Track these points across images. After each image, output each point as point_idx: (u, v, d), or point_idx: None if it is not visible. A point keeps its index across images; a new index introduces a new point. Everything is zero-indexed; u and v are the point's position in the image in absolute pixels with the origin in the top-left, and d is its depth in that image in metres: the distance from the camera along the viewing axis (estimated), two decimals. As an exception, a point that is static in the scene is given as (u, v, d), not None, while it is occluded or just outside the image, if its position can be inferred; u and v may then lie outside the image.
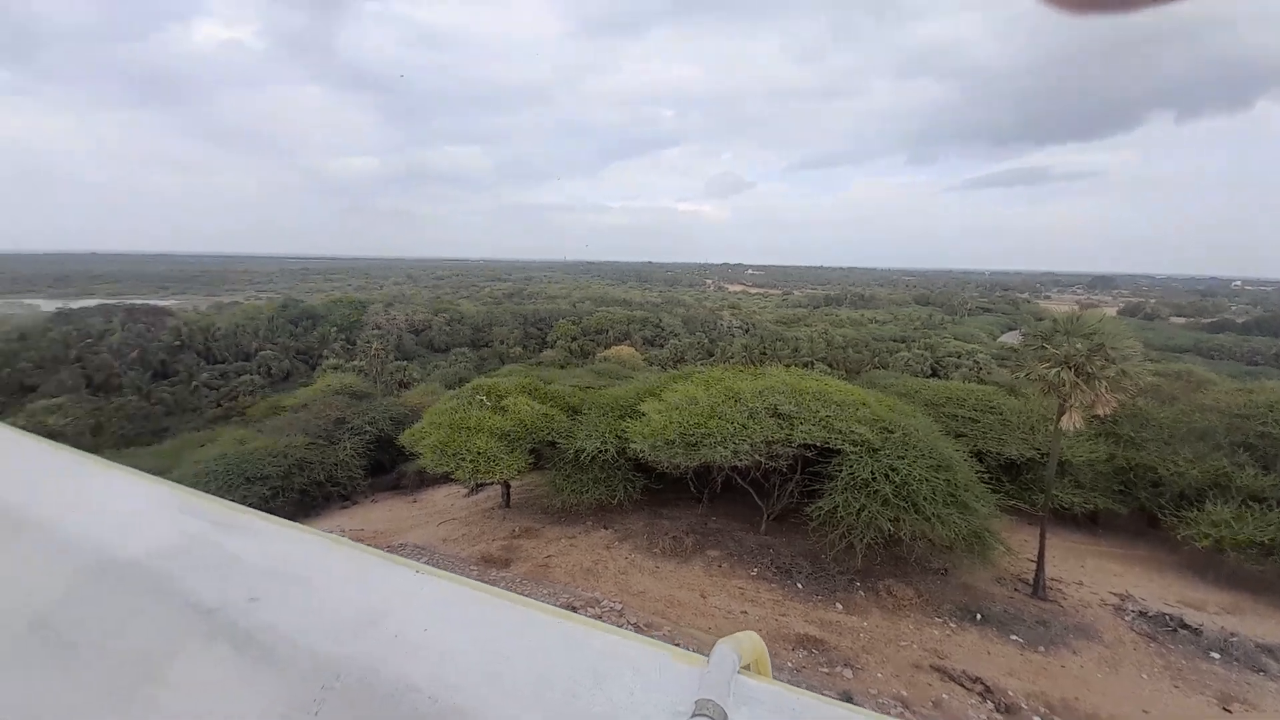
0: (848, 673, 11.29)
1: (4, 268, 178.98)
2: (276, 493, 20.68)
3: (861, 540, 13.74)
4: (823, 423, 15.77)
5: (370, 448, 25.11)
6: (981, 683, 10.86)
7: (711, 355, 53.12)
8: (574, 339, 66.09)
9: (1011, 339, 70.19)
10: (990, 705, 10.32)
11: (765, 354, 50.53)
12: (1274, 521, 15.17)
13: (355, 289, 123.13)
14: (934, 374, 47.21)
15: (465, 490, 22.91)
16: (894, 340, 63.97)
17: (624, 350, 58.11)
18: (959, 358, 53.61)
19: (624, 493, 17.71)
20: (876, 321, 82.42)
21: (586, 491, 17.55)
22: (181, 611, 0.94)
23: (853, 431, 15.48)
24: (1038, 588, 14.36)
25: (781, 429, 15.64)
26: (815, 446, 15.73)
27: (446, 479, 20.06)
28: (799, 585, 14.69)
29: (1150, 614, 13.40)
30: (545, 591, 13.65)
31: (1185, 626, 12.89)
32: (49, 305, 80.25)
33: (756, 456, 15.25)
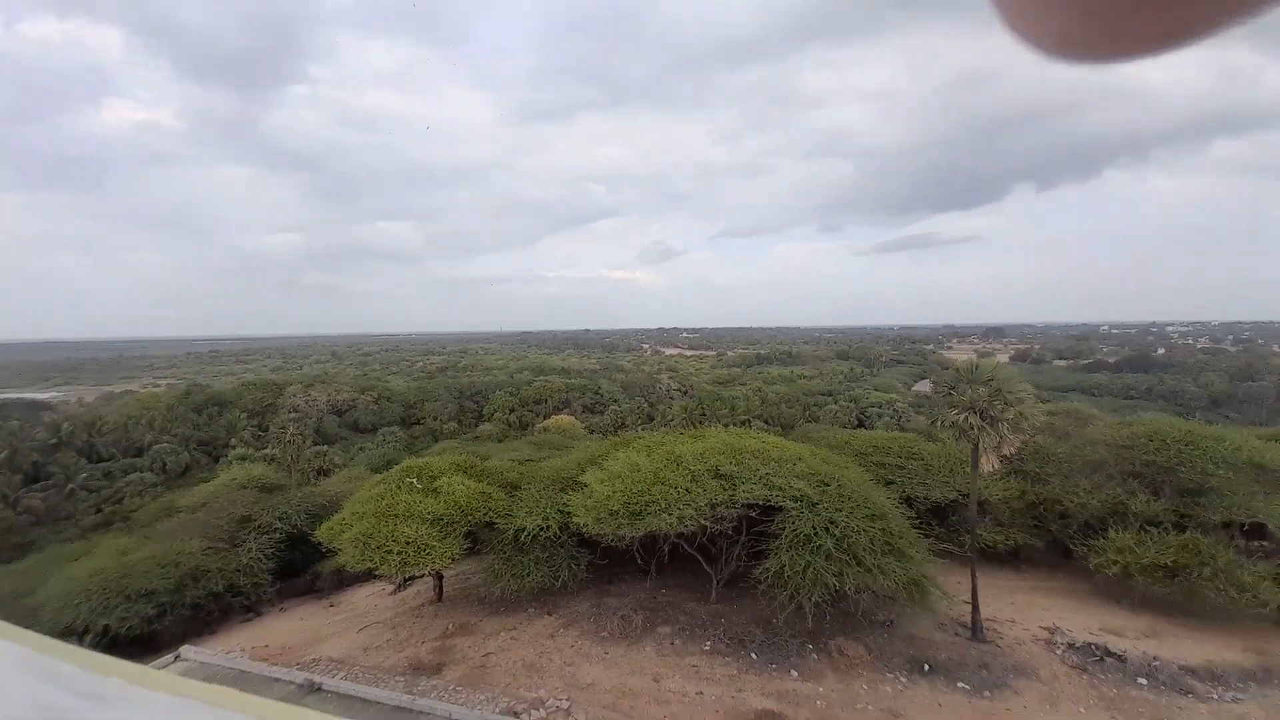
0: (808, 747, 10.82)
1: None
2: (163, 611, 17.99)
3: (810, 599, 13.63)
4: (763, 480, 15.92)
5: (280, 548, 22.59)
6: (939, 739, 10.71)
7: (652, 419, 53.31)
8: (512, 410, 64.50)
9: (924, 387, 75.40)
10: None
11: (704, 415, 51.27)
12: (1172, 544, 16.50)
13: (271, 370, 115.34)
14: (860, 424, 49.56)
15: (391, 587, 20.93)
16: (822, 394, 67.00)
17: (564, 419, 57.19)
18: (880, 408, 56.75)
19: (568, 573, 16.78)
20: (805, 377, 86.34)
21: (528, 575, 16.49)
22: None
23: (792, 486, 15.70)
24: (976, 630, 14.67)
25: (724, 490, 15.64)
26: (758, 505, 15.78)
27: (370, 576, 18.28)
28: (753, 655, 14.21)
29: (1078, 645, 13.96)
30: (482, 697, 12.38)
31: (1111, 654, 13.49)
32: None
33: (702, 521, 15.07)
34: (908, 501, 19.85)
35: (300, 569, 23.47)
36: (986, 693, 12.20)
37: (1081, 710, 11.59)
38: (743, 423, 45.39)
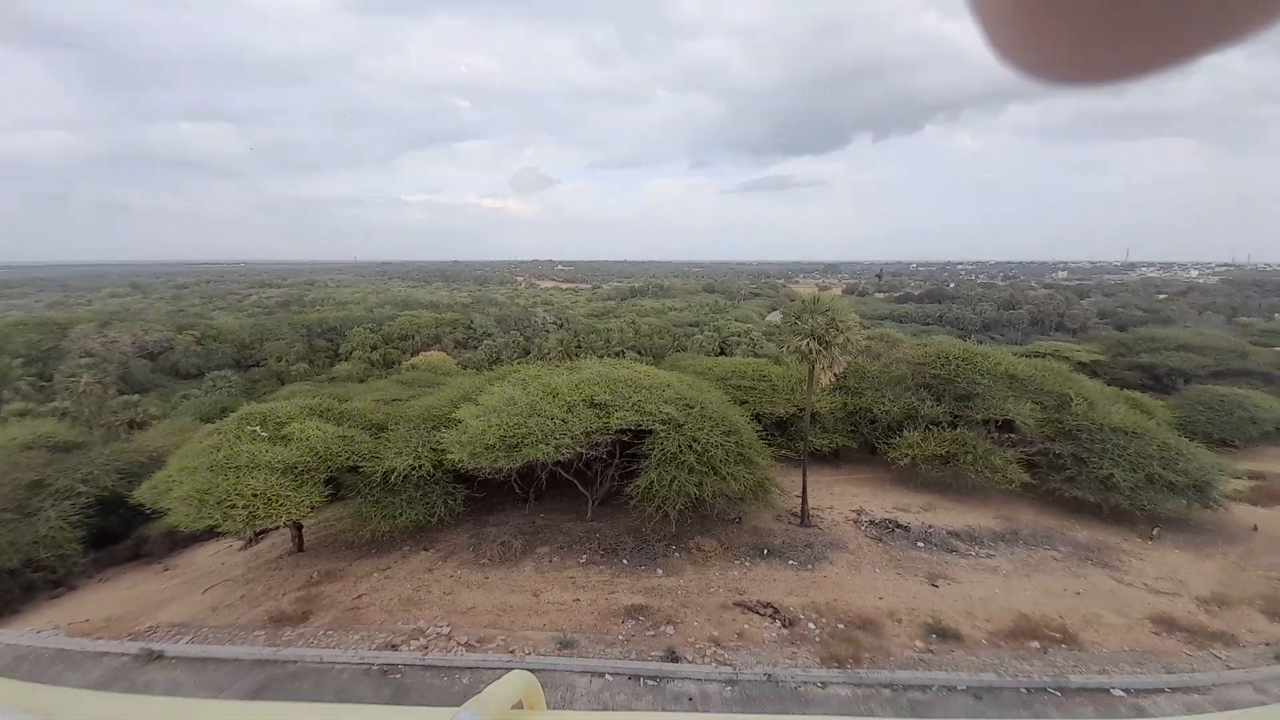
0: (670, 629, 12.30)
1: None
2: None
3: (674, 508, 15.05)
4: (635, 407, 16.75)
5: (89, 513, 19.14)
6: (771, 606, 12.81)
7: (528, 353, 52.41)
8: (374, 348, 59.15)
9: (775, 318, 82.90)
10: (779, 624, 12.25)
11: (580, 347, 51.59)
12: (946, 439, 20.68)
13: (48, 306, 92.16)
14: (722, 352, 53.54)
15: (240, 543, 18.98)
16: (689, 325, 70.61)
17: (434, 355, 53.90)
18: (739, 336, 61.54)
19: (445, 508, 16.52)
20: (675, 309, 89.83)
21: (401, 515, 15.94)
22: None
23: (661, 411, 16.75)
24: (804, 518, 17.42)
25: (599, 418, 16.22)
26: (630, 430, 16.67)
27: (212, 534, 16.36)
28: (624, 561, 15.48)
29: (876, 521, 17.30)
30: (356, 637, 12.09)
31: (900, 526, 16.93)
32: None
33: (578, 449, 15.57)
34: (757, 417, 22.35)
35: (121, 534, 20.20)
36: (809, 566, 14.74)
37: (876, 571, 14.55)
38: (617, 354, 46.69)
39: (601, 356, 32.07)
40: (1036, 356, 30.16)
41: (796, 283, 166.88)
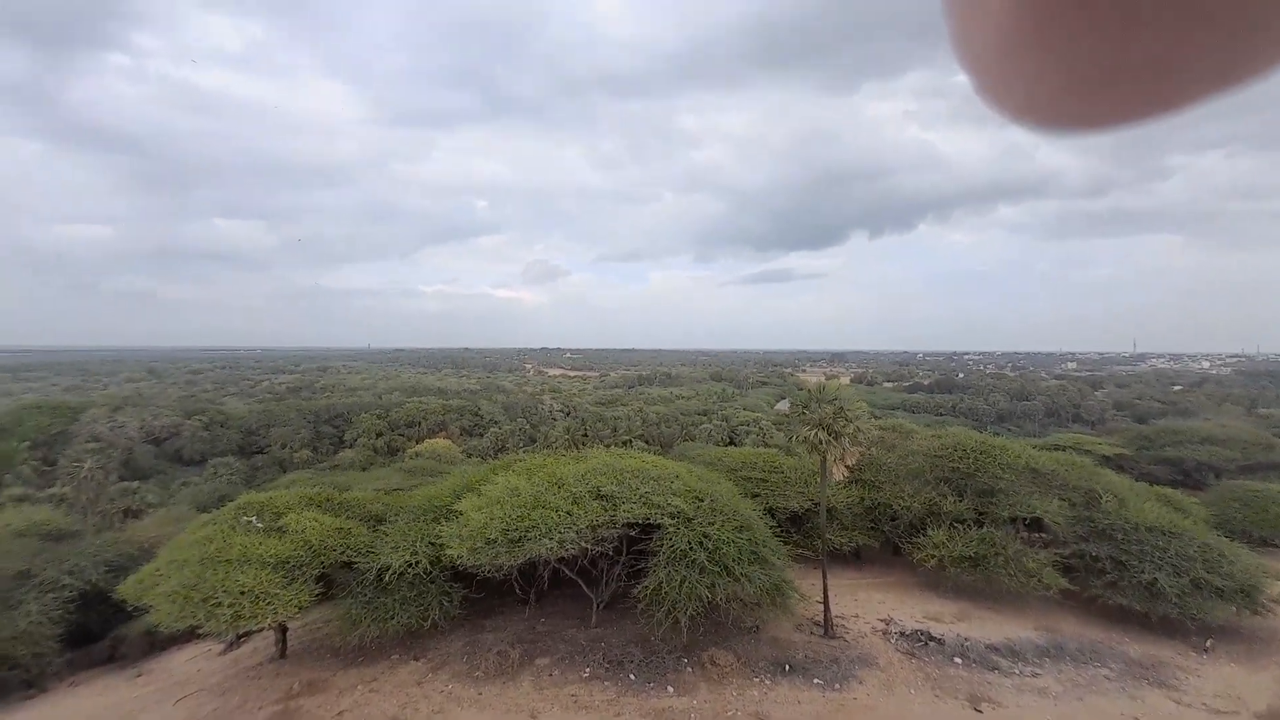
0: (683, 762, 10.97)
1: None
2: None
3: (685, 613, 14.02)
4: (643, 499, 16.19)
5: (70, 609, 18.17)
6: (798, 736, 11.47)
7: (534, 441, 51.91)
8: (379, 435, 58.87)
9: (783, 406, 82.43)
10: (807, 757, 10.89)
11: (586, 435, 51.13)
12: (974, 539, 19.54)
13: (64, 389, 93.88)
14: (731, 441, 52.72)
15: (221, 646, 17.73)
16: (698, 414, 70.25)
17: (440, 443, 53.47)
18: (748, 425, 60.90)
19: (439, 611, 15.49)
20: (682, 397, 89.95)
21: (392, 617, 14.93)
22: None
23: (670, 504, 16.16)
24: (827, 628, 16.10)
25: (606, 510, 15.66)
26: (638, 524, 15.99)
27: (193, 636, 15.34)
28: (631, 676, 14.18)
29: (907, 632, 15.92)
30: (334, 762, 10.88)
31: (932, 639, 15.56)
32: None
33: (583, 543, 14.87)
34: (770, 512, 21.42)
35: (100, 633, 19.01)
36: (837, 685, 13.38)
37: (911, 692, 13.17)
38: (624, 443, 46.08)
39: (608, 445, 31.64)
40: (1057, 449, 29.36)
41: (804, 371, 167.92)
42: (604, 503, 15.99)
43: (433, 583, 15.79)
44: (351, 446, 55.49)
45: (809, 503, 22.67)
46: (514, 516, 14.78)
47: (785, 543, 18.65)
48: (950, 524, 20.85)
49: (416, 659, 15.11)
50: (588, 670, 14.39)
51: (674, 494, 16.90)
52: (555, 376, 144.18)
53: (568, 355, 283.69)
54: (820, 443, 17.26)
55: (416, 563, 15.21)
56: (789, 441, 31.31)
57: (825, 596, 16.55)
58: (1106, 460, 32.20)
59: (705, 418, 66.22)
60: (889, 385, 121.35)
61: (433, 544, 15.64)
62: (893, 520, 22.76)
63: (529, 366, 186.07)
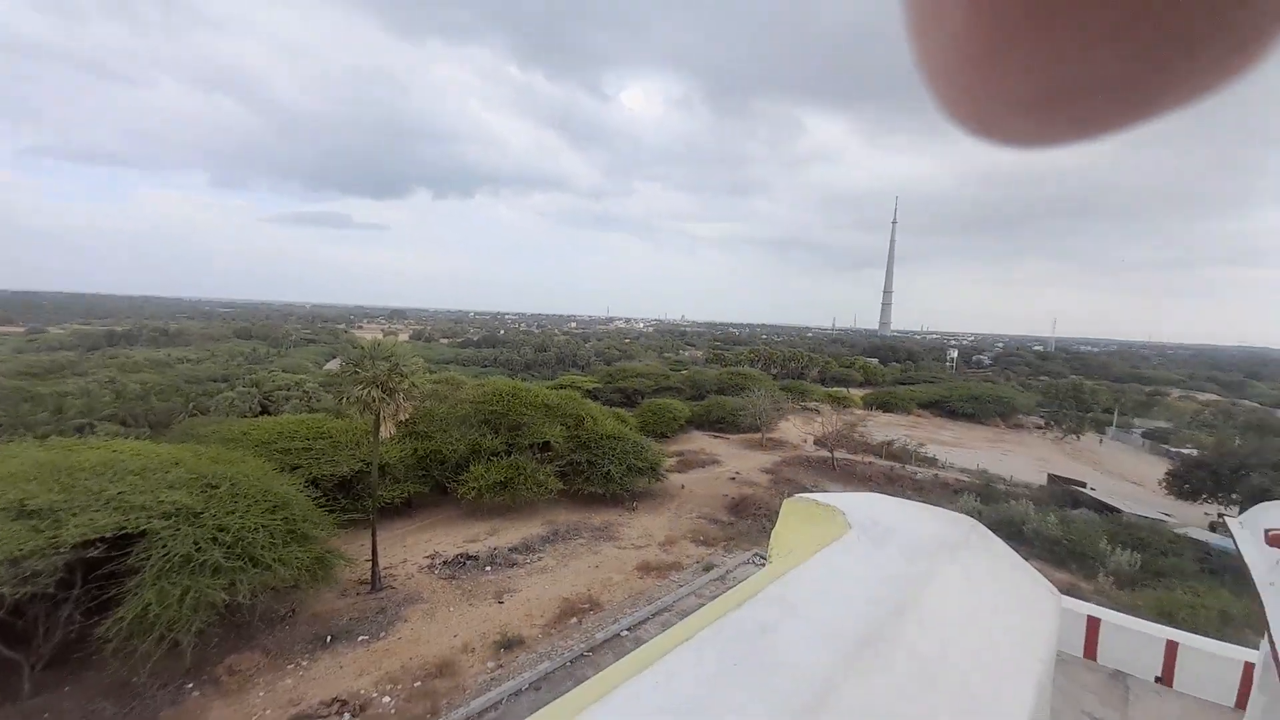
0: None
1: None
2: None
3: (189, 630, 10.79)
4: (113, 503, 11.34)
5: None
6: (338, 700, 10.85)
7: None
8: None
9: (334, 366, 73.12)
10: (348, 717, 10.47)
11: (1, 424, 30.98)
12: (504, 466, 22.91)
13: None
14: (264, 411, 42.83)
15: None
16: (214, 380, 53.57)
17: None
18: (288, 390, 51.05)
19: None
20: (189, 361, 66.48)
21: None
22: None
23: (162, 502, 11.91)
24: (375, 582, 15.75)
25: (36, 534, 10.10)
26: (105, 539, 11.03)
27: None
28: (87, 745, 9.93)
29: (449, 560, 17.41)
30: None
31: (470, 558, 17.55)
32: None
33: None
34: (314, 482, 19.02)
35: None
36: (383, 634, 13.34)
37: (450, 609, 14.54)
38: (80, 429, 30.32)
39: (45, 436, 19.95)
40: (561, 389, 37.62)
41: (360, 327, 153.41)
42: (35, 522, 10.30)
43: None
44: None
45: (360, 464, 21.24)
46: None
47: (331, 511, 16.98)
48: (488, 458, 23.76)
49: None
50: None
51: (169, 487, 12.60)
52: (-112, 332, 79.77)
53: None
54: (373, 401, 16.31)
55: None
56: (339, 403, 27.86)
57: (374, 552, 16.05)
58: (589, 393, 43.57)
59: (226, 384, 51.27)
60: (445, 341, 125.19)
61: None
62: (441, 464, 24.02)
63: None
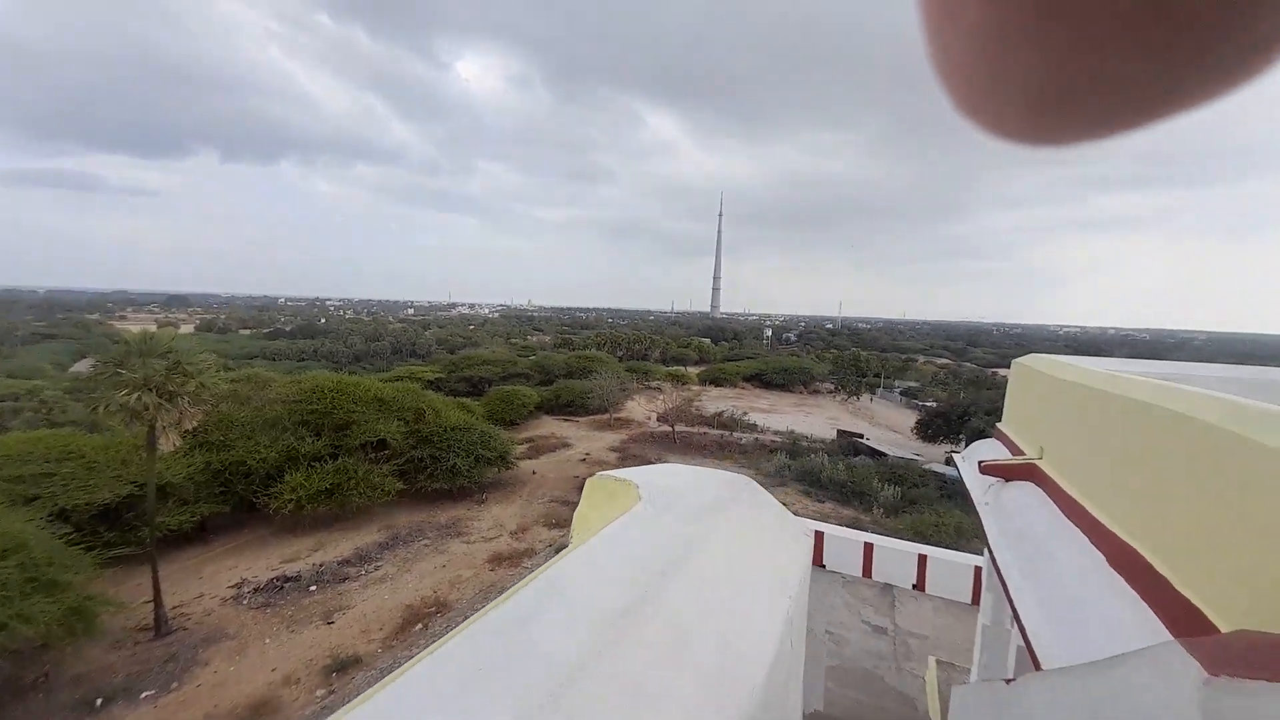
0: None
1: None
2: None
3: None
4: None
5: None
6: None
7: None
8: None
9: (85, 367, 56.92)
10: (129, 787, 8.73)
11: None
12: (330, 471, 20.37)
13: None
14: (-36, 430, 31.64)
15: None
16: None
17: None
18: (17, 400, 38.67)
19: None
20: None
21: None
22: None
23: None
24: (160, 626, 13.08)
25: None
26: None
27: None
28: None
29: (262, 586, 15.14)
30: None
31: (289, 579, 15.45)
32: None
33: None
34: (63, 515, 14.93)
35: None
36: (174, 684, 11.20)
37: (267, 641, 12.74)
38: None
39: None
40: (398, 380, 34.49)
41: (123, 318, 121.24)
42: None
43: None
44: None
45: (130, 486, 17.12)
46: None
47: (90, 548, 13.50)
48: (308, 464, 20.94)
49: None
50: None
51: None
52: None
53: None
54: (146, 409, 13.26)
55: None
56: (93, 414, 21.53)
57: (156, 591, 13.23)
58: (430, 383, 40.73)
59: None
60: (246, 333, 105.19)
61: None
62: (247, 477, 20.52)
63: None
